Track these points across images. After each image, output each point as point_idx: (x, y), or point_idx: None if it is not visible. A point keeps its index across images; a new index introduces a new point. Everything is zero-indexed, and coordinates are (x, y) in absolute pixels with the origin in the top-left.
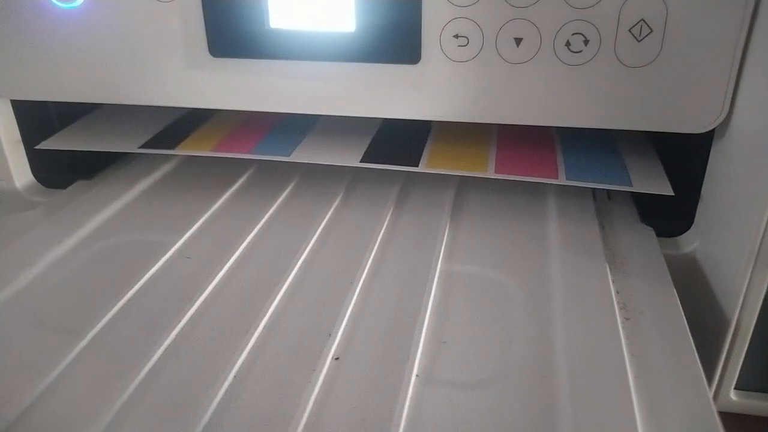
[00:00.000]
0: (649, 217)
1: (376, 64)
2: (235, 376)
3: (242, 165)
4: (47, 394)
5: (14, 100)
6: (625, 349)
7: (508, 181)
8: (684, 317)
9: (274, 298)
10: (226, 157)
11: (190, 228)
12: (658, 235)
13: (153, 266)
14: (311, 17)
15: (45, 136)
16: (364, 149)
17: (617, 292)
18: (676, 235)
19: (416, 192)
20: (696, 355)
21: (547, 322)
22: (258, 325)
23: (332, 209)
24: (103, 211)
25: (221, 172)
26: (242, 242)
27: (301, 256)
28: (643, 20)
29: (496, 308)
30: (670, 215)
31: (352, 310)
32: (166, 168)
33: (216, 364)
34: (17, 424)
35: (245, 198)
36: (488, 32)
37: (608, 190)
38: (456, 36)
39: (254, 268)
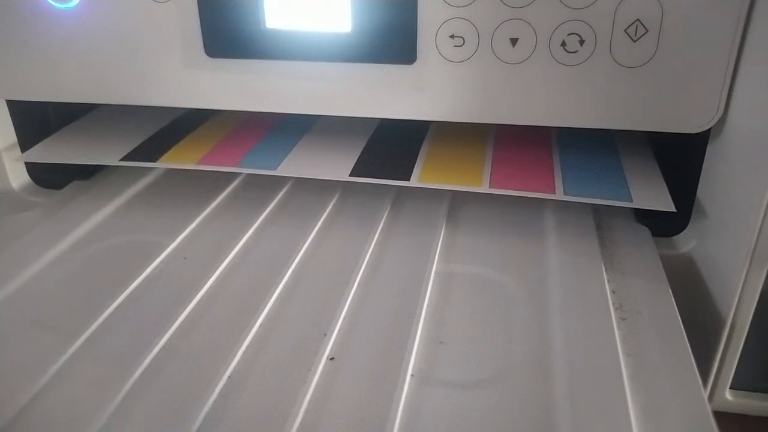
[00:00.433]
0: (645, 217)
1: (372, 65)
2: (230, 377)
3: None
4: (44, 393)
5: (10, 101)
6: (620, 349)
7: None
8: (679, 317)
9: (270, 299)
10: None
11: (187, 228)
12: (654, 235)
13: (150, 266)
14: (307, 17)
15: (41, 137)
16: (355, 160)
17: (613, 292)
18: (672, 235)
19: (414, 193)
20: (691, 355)
21: (544, 322)
22: (254, 326)
23: (329, 209)
24: (100, 211)
25: (218, 172)
26: (239, 242)
27: (297, 256)
28: (639, 20)
29: (492, 308)
30: (666, 215)
31: (347, 310)
32: (163, 168)
33: (212, 364)
34: (14, 423)
35: (242, 198)
36: (484, 32)
37: None
38: (452, 36)
39: (251, 268)
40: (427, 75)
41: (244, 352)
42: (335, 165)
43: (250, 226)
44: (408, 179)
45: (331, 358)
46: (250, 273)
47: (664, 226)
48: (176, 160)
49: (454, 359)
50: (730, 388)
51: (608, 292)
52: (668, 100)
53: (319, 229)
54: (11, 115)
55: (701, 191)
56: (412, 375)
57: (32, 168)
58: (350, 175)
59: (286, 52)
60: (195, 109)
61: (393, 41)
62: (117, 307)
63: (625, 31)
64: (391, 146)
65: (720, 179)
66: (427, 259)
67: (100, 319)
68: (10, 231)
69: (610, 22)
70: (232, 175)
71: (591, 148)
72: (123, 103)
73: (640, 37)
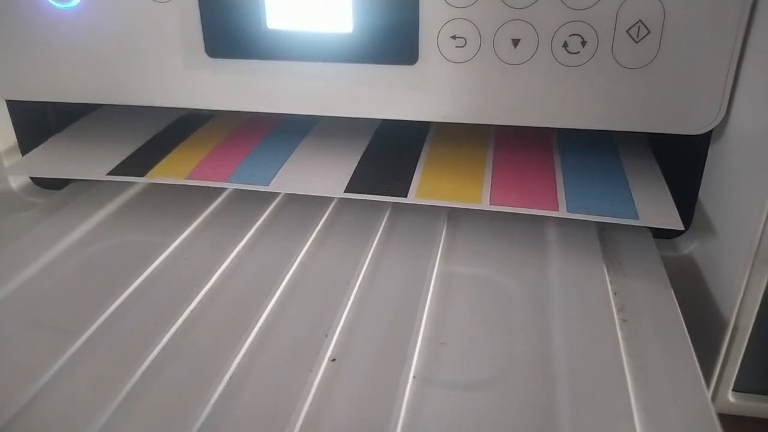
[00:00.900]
0: None
1: (374, 65)
2: (231, 377)
3: None
4: (44, 393)
5: (10, 102)
6: (623, 351)
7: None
8: (682, 318)
9: (271, 300)
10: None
11: (188, 229)
12: (656, 236)
13: (150, 267)
14: (308, 18)
15: (40, 138)
16: (350, 174)
17: (615, 294)
18: (673, 237)
19: None
20: (694, 356)
21: (545, 323)
22: (255, 326)
23: (330, 210)
24: (100, 211)
25: None
26: (240, 243)
27: (298, 257)
28: (641, 21)
29: (494, 309)
30: None
31: (348, 311)
32: None
33: (213, 364)
34: (15, 423)
35: (243, 198)
36: (486, 33)
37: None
38: (453, 37)
39: (251, 268)
40: (429, 76)
41: (245, 353)
42: (329, 179)
43: (252, 227)
44: (405, 195)
45: (333, 359)
46: (250, 274)
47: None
48: (165, 173)
49: (456, 360)
50: (733, 390)
51: (610, 294)
52: (670, 101)
53: (320, 230)
54: (11, 116)
55: (703, 193)
56: (413, 376)
57: None
58: (345, 191)
59: (287, 52)
60: (191, 112)
61: (394, 42)
62: (117, 308)
63: (627, 32)
64: (387, 157)
65: (722, 181)
66: (428, 260)
67: (101, 319)
68: (9, 231)
69: (612, 23)
70: None
71: (593, 158)
72: (123, 103)
73: (642, 38)
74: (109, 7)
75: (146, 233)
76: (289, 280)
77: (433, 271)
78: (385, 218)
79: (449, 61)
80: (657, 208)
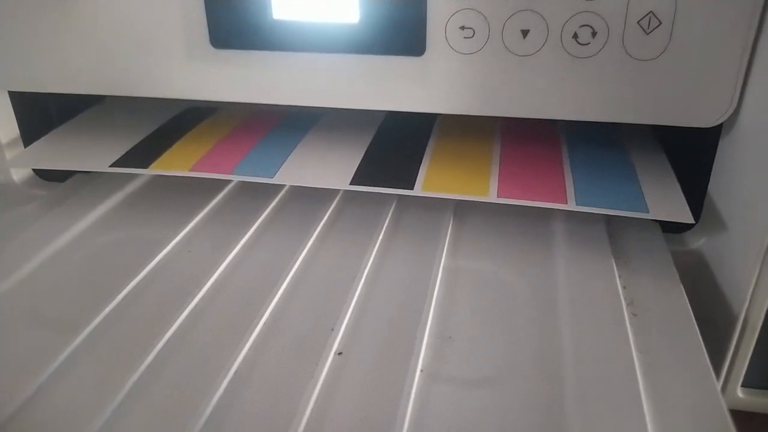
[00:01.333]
0: None
1: (380, 56)
2: (236, 372)
3: None
4: (47, 388)
5: (12, 93)
6: (632, 346)
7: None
8: (692, 314)
9: (276, 294)
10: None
11: (191, 222)
12: (665, 231)
13: (153, 261)
14: (314, 8)
15: (43, 130)
16: (356, 166)
17: (624, 288)
18: (683, 231)
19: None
20: (704, 351)
21: (554, 318)
22: (260, 321)
23: (334, 204)
24: (103, 204)
25: None
26: (244, 236)
27: (303, 251)
28: (652, 12)
29: (501, 304)
30: None
31: (354, 305)
32: None
33: (217, 359)
34: (16, 418)
35: (248, 192)
36: (494, 24)
37: None
38: (462, 27)
39: (256, 262)
40: (436, 67)
41: (250, 347)
42: (335, 172)
43: (256, 220)
44: (411, 187)
45: (339, 353)
46: (255, 268)
47: (674, 221)
48: (169, 166)
49: (463, 355)
50: (742, 385)
51: (619, 288)
52: (681, 93)
53: (325, 224)
54: (13, 108)
55: (712, 187)
56: (421, 370)
57: None
58: (351, 183)
59: (293, 43)
60: (194, 105)
61: (401, 32)
62: (120, 302)
63: (638, 23)
64: (393, 149)
65: (732, 174)
66: (435, 254)
67: (103, 314)
68: (11, 224)
69: (623, 14)
70: None
71: (601, 151)
72: (127, 94)
73: (653, 29)
74: None
75: (149, 227)
76: (295, 274)
77: (439, 265)
78: (391, 212)
79: (457, 52)
80: (667, 201)
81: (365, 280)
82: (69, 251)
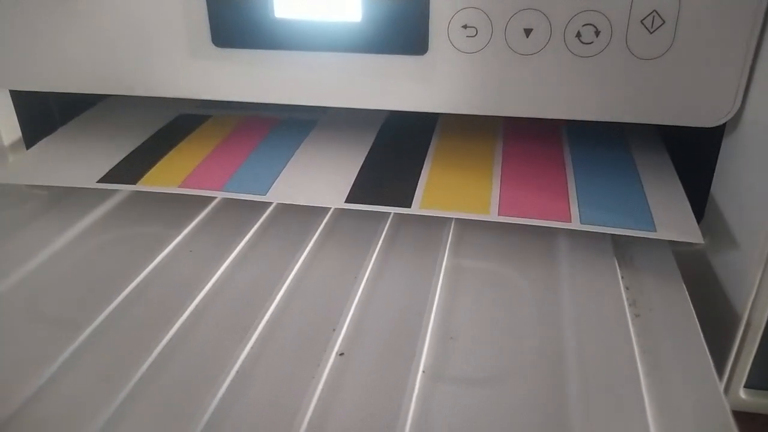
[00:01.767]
0: None
1: (383, 55)
2: (238, 371)
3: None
4: (49, 386)
5: (14, 92)
6: (635, 346)
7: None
8: (694, 314)
9: (278, 293)
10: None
11: (194, 221)
12: None
13: (155, 259)
14: (317, 7)
15: (45, 131)
16: (351, 182)
17: (627, 288)
18: None
19: None
20: (707, 352)
21: (557, 318)
22: (261, 320)
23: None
24: (104, 203)
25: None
26: (246, 235)
27: (305, 250)
28: (656, 11)
29: (504, 304)
30: None
31: (356, 305)
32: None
33: (219, 358)
34: (18, 416)
35: None
36: (497, 22)
37: None
38: (464, 26)
39: (258, 262)
40: (439, 66)
41: (252, 347)
42: (329, 187)
43: (258, 219)
44: (409, 205)
45: (341, 354)
46: (256, 268)
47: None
48: (158, 181)
49: (466, 355)
50: (745, 386)
51: (622, 289)
52: (684, 92)
53: (328, 222)
54: (15, 109)
55: (715, 186)
56: (423, 371)
57: None
58: (346, 201)
59: (295, 42)
60: (186, 112)
61: (404, 31)
62: (122, 300)
63: (641, 22)
64: (391, 160)
65: (735, 174)
66: (437, 253)
67: (107, 312)
68: (14, 221)
69: (627, 13)
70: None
71: (606, 162)
72: (129, 93)
73: (657, 28)
74: None
75: (151, 225)
76: (296, 274)
77: (441, 264)
78: (394, 212)
79: (460, 51)
80: (675, 218)
81: (367, 279)
82: (70, 250)
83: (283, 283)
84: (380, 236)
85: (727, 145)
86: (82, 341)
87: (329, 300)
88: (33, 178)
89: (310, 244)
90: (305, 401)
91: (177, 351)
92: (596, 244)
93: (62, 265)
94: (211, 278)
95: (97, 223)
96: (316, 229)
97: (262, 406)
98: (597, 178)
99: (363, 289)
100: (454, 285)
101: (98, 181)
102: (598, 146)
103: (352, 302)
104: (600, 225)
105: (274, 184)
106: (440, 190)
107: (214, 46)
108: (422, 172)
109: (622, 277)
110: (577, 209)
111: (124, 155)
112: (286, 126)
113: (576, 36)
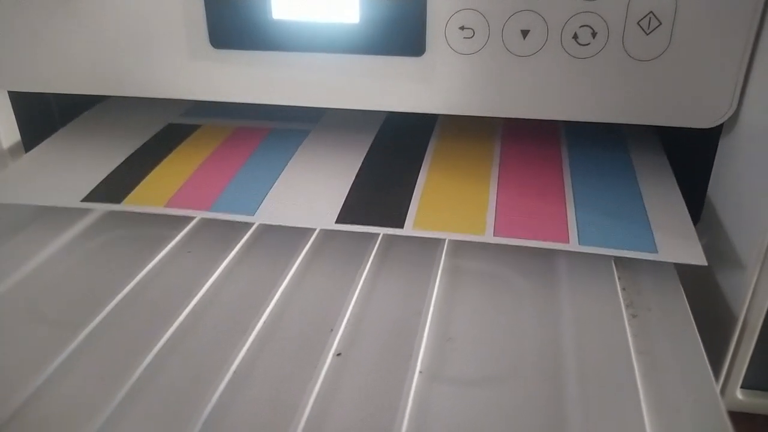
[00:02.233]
0: None
1: (380, 57)
2: (235, 372)
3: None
4: (47, 387)
5: (12, 94)
6: (632, 347)
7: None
8: (691, 314)
9: (276, 294)
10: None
11: (192, 221)
12: None
13: (154, 259)
14: (314, 8)
15: (45, 133)
16: (342, 200)
17: (623, 289)
18: None
19: None
20: (704, 352)
21: (554, 318)
22: (259, 321)
23: None
24: None
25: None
26: (245, 235)
27: (303, 250)
28: (652, 13)
29: (501, 305)
30: None
31: (354, 306)
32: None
33: (217, 359)
34: (16, 417)
35: None
36: (494, 24)
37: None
38: (462, 28)
39: (256, 262)
40: (436, 67)
41: (250, 347)
42: (319, 207)
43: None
44: (401, 225)
45: (338, 354)
46: (254, 268)
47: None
48: (143, 200)
49: (463, 356)
50: (741, 387)
51: (618, 289)
52: (681, 94)
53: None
54: (14, 111)
55: (712, 187)
56: (420, 372)
57: None
58: (337, 222)
59: (292, 43)
60: (175, 122)
61: (401, 33)
62: (121, 300)
63: (638, 23)
64: (385, 173)
65: (732, 175)
66: (435, 254)
67: (104, 313)
68: (13, 222)
69: (623, 15)
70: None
71: (606, 175)
72: (127, 94)
73: (653, 29)
74: None
75: (150, 226)
76: (294, 274)
77: (439, 266)
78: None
79: (457, 52)
80: (677, 238)
81: (365, 280)
82: (69, 250)
83: (282, 284)
84: (380, 236)
85: (724, 146)
86: (81, 341)
87: (327, 300)
88: (16, 197)
89: (308, 246)
90: (303, 401)
91: (176, 351)
92: None
93: (60, 266)
94: (209, 279)
95: (97, 224)
96: (315, 230)
97: (260, 406)
98: (596, 190)
99: (361, 289)
100: (452, 285)
101: (82, 200)
102: (596, 148)
103: (350, 303)
104: (599, 246)
105: (263, 202)
106: (435, 206)
107: (212, 48)
108: (417, 182)
109: (619, 278)
110: (576, 229)
111: (111, 168)
112: (276, 137)
113: (573, 37)
